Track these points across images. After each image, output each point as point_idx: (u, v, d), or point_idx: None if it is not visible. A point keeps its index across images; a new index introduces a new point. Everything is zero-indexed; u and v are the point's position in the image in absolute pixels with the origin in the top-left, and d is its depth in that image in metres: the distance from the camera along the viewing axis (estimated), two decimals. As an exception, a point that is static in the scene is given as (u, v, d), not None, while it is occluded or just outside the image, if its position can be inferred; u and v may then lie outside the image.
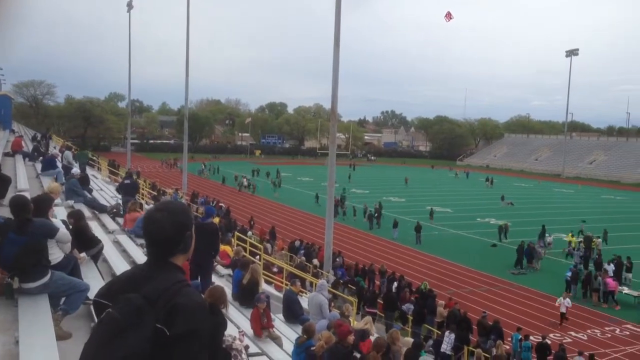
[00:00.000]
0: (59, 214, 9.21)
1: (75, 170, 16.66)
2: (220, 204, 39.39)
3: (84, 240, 8.07)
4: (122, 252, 10.66)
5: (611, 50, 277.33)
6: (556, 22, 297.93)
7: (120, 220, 13.79)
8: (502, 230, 37.61)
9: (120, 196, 17.26)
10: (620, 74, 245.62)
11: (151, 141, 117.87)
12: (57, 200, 10.16)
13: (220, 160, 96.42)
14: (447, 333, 17.55)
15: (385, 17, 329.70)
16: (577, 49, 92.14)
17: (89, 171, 23.81)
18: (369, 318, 11.39)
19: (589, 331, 21.81)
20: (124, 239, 11.76)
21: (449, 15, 52.67)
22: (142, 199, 22.06)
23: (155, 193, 30.88)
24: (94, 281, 6.77)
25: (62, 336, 5.11)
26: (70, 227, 8.24)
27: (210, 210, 12.26)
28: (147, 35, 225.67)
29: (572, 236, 35.30)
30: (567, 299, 22.29)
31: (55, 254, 6.16)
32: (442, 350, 17.18)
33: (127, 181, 17.50)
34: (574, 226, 39.24)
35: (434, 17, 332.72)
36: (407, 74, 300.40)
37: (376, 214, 41.75)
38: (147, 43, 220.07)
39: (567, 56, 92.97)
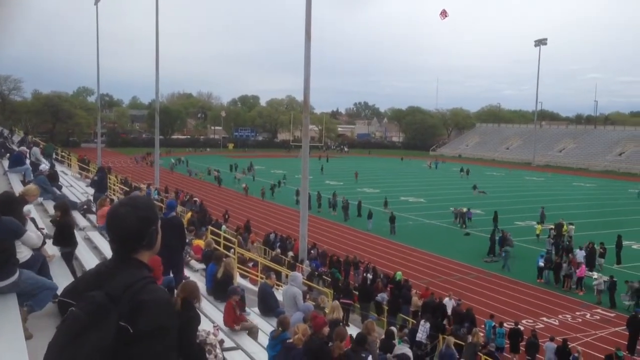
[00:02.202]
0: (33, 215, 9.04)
1: (44, 166, 16.40)
2: (194, 199, 39.10)
3: (66, 235, 7.95)
4: (93, 249, 10.53)
5: (578, 39, 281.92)
6: (525, 12, 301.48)
7: (92, 216, 13.60)
8: (462, 215, 38.66)
9: (90, 192, 17.02)
10: (588, 62, 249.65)
11: (122, 136, 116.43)
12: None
13: (196, 154, 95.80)
14: (422, 322, 17.72)
15: (357, 8, 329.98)
16: (546, 39, 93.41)
17: (59, 167, 23.41)
18: (335, 303, 11.40)
19: (560, 316, 22.24)
20: (95, 236, 11.60)
21: (444, 13, 52.89)
22: (113, 194, 21.77)
23: (127, 189, 30.49)
24: (63, 279, 6.67)
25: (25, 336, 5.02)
26: (57, 219, 8.12)
27: (172, 203, 12.15)
28: (115, 27, 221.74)
29: (538, 224, 36.07)
30: None
31: (23, 252, 6.05)
32: (417, 339, 17.34)
33: (98, 177, 17.27)
34: (547, 213, 39.92)
35: (404, 8, 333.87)
36: (379, 65, 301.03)
37: (344, 205, 42.02)
38: (115, 36, 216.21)
39: (535, 46, 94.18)
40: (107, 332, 2.10)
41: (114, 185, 25.84)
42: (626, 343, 18.62)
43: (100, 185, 17.29)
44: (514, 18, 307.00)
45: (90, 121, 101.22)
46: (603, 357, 17.04)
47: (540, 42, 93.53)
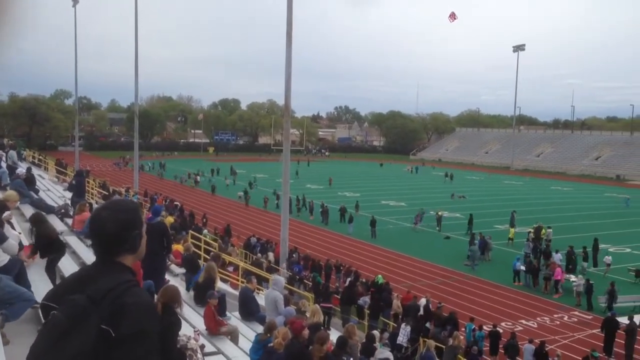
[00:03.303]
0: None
1: (20, 170, 16.16)
2: (175, 203, 38.83)
3: (46, 245, 7.80)
4: (71, 254, 10.39)
5: (556, 45, 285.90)
6: (504, 19, 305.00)
7: (69, 220, 13.43)
8: (437, 219, 39.13)
9: (68, 196, 16.81)
10: (565, 68, 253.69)
11: (101, 139, 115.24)
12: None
13: (173, 158, 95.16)
14: (403, 325, 17.78)
15: (337, 12, 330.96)
16: (524, 45, 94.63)
17: (35, 171, 23.07)
18: (315, 307, 11.41)
19: (538, 319, 22.47)
20: (73, 241, 11.46)
21: (452, 16, 53.30)
22: (92, 198, 21.53)
23: (105, 192, 30.16)
24: (42, 285, 6.59)
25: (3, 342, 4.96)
26: (33, 232, 7.98)
27: (157, 209, 12.05)
28: (94, 29, 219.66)
29: (511, 227, 36.48)
30: None
31: (1, 257, 5.97)
32: (398, 342, 17.39)
33: (75, 181, 17.06)
34: (526, 217, 40.40)
35: (384, 14, 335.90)
36: (360, 69, 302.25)
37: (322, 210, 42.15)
38: (94, 38, 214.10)
39: (514, 51, 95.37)
40: (88, 336, 2.08)
41: (92, 189, 25.57)
42: (602, 345, 18.87)
43: (78, 189, 17.08)
44: (492, 24, 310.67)
45: (68, 124, 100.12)
46: (580, 359, 17.24)
47: (519, 48, 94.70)
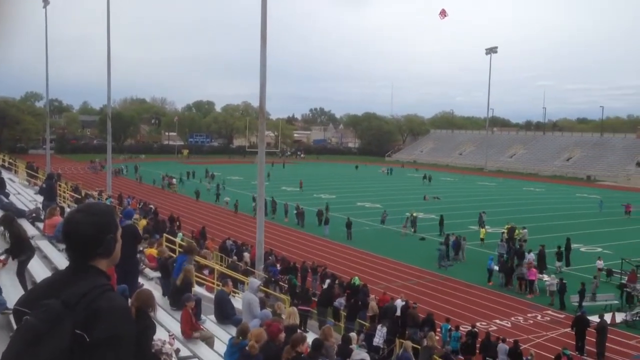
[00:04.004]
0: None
1: (-10, 173, 15.83)
2: (149, 206, 38.41)
3: (19, 244, 7.70)
4: (43, 259, 10.24)
5: (528, 48, 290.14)
6: (476, 21, 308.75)
7: (40, 225, 13.20)
8: (412, 220, 39.26)
9: (39, 200, 16.54)
10: (537, 70, 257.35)
11: (72, 142, 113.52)
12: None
13: (147, 161, 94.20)
14: (379, 327, 17.84)
15: (312, 13, 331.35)
16: (496, 47, 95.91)
17: (5, 174, 22.64)
18: (292, 310, 11.40)
19: (512, 318, 22.75)
20: (44, 245, 11.27)
21: (443, 13, 53.79)
22: (64, 202, 21.19)
23: (78, 196, 29.74)
24: (14, 290, 6.47)
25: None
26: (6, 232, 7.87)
27: (129, 212, 11.92)
28: (66, 31, 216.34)
29: (482, 227, 36.92)
30: None
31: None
32: (374, 343, 17.45)
33: (45, 184, 16.79)
34: (498, 217, 40.87)
35: (359, 15, 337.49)
36: (335, 71, 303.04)
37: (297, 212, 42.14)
38: (65, 40, 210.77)
39: (487, 54, 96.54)
40: (62, 341, 2.04)
41: (64, 192, 25.18)
42: (574, 343, 19.19)
43: (48, 193, 16.81)
44: (466, 27, 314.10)
45: (39, 127, 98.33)
46: (553, 357, 17.49)
47: (491, 51, 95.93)
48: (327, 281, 23.44)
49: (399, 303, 20.41)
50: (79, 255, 2.28)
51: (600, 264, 27.84)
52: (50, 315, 2.07)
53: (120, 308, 2.17)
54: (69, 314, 2.08)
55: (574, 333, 19.62)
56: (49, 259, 10.19)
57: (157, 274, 13.77)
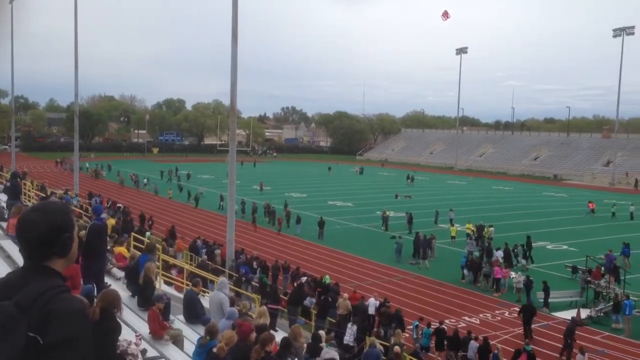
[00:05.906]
0: None
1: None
2: (118, 205, 37.84)
3: None
4: (6, 259, 10.01)
5: (497, 48, 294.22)
6: (450, 20, 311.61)
7: (4, 224, 12.91)
8: (384, 219, 39.67)
9: (3, 199, 16.18)
10: (506, 70, 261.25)
11: (38, 139, 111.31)
12: None
13: (116, 159, 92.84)
14: (349, 325, 17.90)
15: (283, 10, 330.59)
16: (467, 47, 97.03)
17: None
18: (262, 309, 11.37)
19: (481, 315, 23.05)
20: (8, 245, 11.02)
21: (445, 14, 53.87)
22: (29, 201, 20.75)
23: (44, 195, 29.11)
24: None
25: None
26: None
27: (97, 208, 11.73)
28: (32, 27, 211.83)
29: (452, 226, 37.37)
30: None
31: None
32: (345, 342, 17.50)
33: (9, 183, 16.43)
34: (468, 216, 41.32)
35: (333, 13, 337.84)
36: (306, 69, 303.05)
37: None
38: (32, 36, 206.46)
39: (457, 54, 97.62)
40: (16, 344, 1.99)
41: (30, 191, 24.63)
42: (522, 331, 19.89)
43: (13, 191, 16.45)
44: (436, 27, 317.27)
45: (4, 124, 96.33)
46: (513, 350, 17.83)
47: (462, 51, 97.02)
48: (304, 279, 23.30)
49: (372, 302, 20.50)
50: (33, 256, 2.21)
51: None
52: (4, 318, 2.01)
53: (75, 310, 2.11)
54: (23, 316, 2.03)
55: (521, 322, 20.34)
56: (12, 259, 9.97)
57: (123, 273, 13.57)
